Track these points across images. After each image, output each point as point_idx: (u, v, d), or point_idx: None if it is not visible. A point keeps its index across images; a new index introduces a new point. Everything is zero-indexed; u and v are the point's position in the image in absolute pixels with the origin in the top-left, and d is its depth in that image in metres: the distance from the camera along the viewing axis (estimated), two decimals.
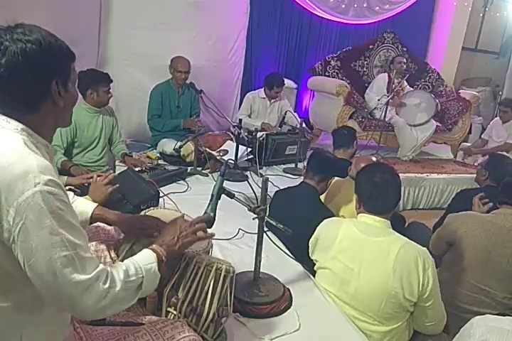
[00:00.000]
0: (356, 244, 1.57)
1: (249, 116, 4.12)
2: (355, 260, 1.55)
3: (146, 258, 1.04)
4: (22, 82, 0.89)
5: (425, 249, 1.53)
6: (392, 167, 1.84)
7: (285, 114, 3.71)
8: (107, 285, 0.89)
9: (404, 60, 4.59)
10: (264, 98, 4.11)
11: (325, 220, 1.75)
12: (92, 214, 1.34)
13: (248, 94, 4.20)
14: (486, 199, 2.19)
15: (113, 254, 1.39)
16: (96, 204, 1.38)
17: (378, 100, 4.35)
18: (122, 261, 1.27)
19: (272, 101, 4.12)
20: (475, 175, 2.77)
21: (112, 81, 2.82)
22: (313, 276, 1.74)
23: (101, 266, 0.91)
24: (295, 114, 4.01)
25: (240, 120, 3.29)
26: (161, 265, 1.04)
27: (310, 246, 1.73)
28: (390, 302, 1.48)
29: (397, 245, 1.50)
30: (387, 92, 4.43)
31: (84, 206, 1.35)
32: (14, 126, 0.90)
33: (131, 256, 1.28)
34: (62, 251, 0.84)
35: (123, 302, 0.95)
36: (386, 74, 4.63)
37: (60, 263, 0.83)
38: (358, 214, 1.66)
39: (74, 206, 1.30)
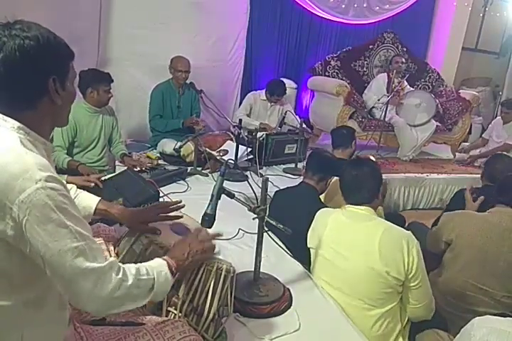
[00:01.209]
0: (344, 230, 1.64)
1: (249, 116, 4.10)
2: (343, 245, 1.61)
3: (156, 263, 1.05)
4: (19, 78, 0.88)
5: (409, 232, 1.58)
6: (372, 161, 1.92)
7: (285, 113, 3.70)
8: (119, 276, 0.90)
9: (403, 60, 4.58)
10: (264, 100, 4.10)
11: (319, 211, 1.81)
12: (96, 208, 1.33)
13: (250, 93, 4.19)
14: (477, 194, 2.22)
15: (113, 254, 1.39)
16: (99, 198, 1.37)
17: (378, 100, 4.34)
18: (122, 260, 1.28)
19: (273, 103, 4.12)
20: (475, 175, 2.78)
21: (112, 81, 2.81)
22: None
23: (112, 258, 0.92)
24: (296, 116, 3.98)
25: (240, 120, 3.28)
26: (172, 273, 1.05)
27: (308, 236, 1.77)
28: (378, 282, 1.52)
29: (381, 228, 1.57)
30: (387, 92, 4.42)
31: (87, 201, 1.34)
32: (11, 125, 0.89)
33: (132, 256, 1.30)
34: (72, 243, 0.84)
35: (134, 300, 0.95)
36: (385, 74, 4.62)
37: (71, 253, 0.83)
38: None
39: (77, 200, 1.30)
